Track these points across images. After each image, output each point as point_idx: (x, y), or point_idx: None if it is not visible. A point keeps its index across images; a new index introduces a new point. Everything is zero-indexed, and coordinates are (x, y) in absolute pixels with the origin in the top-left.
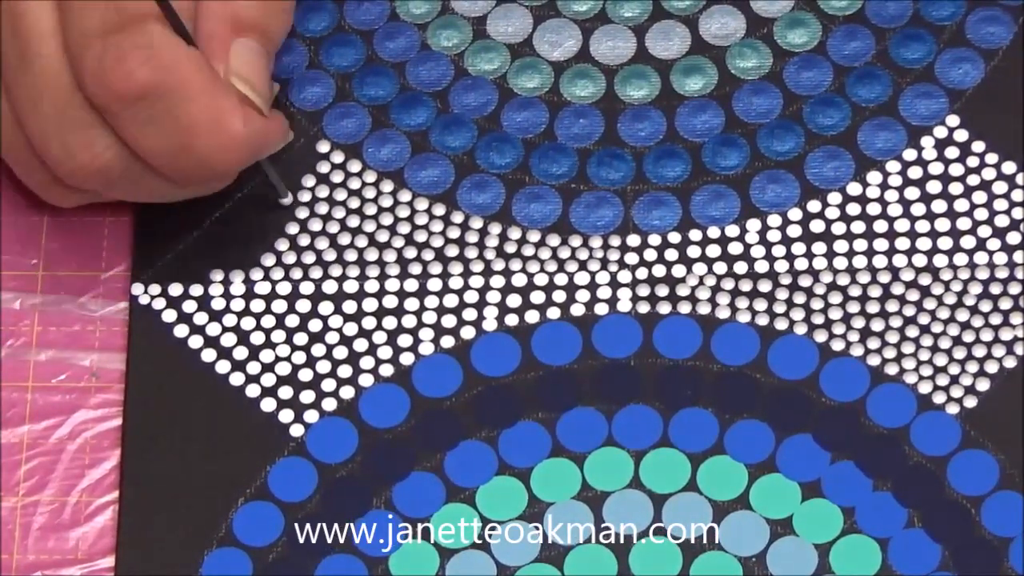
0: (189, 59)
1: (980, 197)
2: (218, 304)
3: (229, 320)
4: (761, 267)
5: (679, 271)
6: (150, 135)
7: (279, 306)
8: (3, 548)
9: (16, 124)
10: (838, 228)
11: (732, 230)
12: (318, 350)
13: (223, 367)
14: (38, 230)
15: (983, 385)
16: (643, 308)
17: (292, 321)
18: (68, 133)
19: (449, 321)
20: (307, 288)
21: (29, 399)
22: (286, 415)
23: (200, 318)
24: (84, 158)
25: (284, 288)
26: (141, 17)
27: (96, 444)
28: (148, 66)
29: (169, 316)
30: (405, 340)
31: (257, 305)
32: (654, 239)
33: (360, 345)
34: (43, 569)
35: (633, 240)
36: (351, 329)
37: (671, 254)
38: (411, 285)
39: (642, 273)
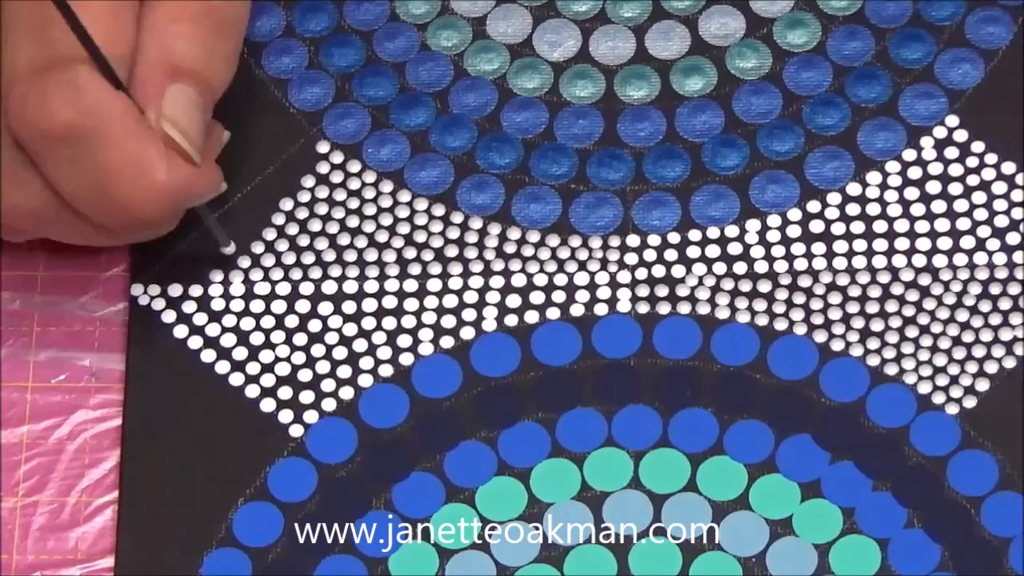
0: (114, 102)
1: (979, 197)
2: (218, 305)
3: (229, 320)
4: (761, 267)
5: (679, 271)
6: (72, 177)
7: (279, 306)
8: (3, 548)
9: None
10: (838, 228)
11: (732, 230)
12: (317, 350)
13: (223, 367)
14: None
15: (983, 385)
16: (643, 308)
17: (292, 321)
18: (1, 174)
19: (449, 321)
20: (307, 288)
21: (29, 399)
22: (286, 415)
23: (200, 318)
24: (15, 201)
25: (284, 288)
26: (69, 58)
27: (96, 444)
28: (71, 107)
29: (169, 317)
30: (405, 340)
31: (257, 305)
32: (654, 239)
33: (360, 345)
34: (43, 569)
35: (633, 240)
36: (350, 329)
37: (671, 254)
38: (410, 285)
39: (642, 273)
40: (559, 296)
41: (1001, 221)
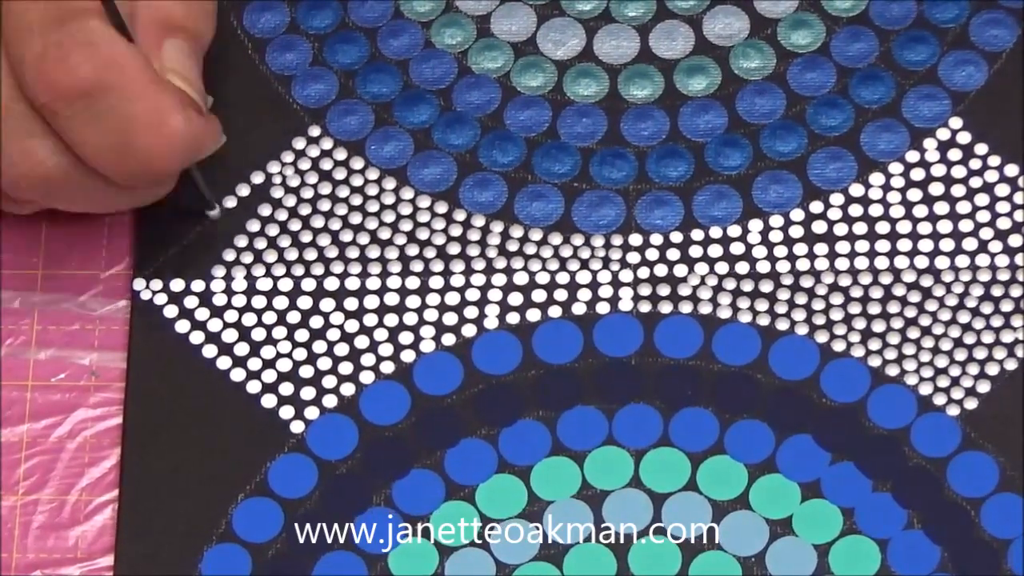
0: (130, 56)
1: (982, 199)
2: (220, 300)
3: (231, 316)
4: (763, 267)
5: (681, 271)
6: (92, 133)
7: (281, 302)
8: (3, 547)
9: None
10: (840, 229)
11: (734, 230)
12: (319, 347)
13: (224, 363)
14: (38, 229)
15: (984, 387)
16: (644, 307)
17: (293, 318)
18: (7, 143)
19: (450, 319)
20: (309, 285)
21: (29, 398)
22: (287, 411)
23: (202, 314)
24: (24, 168)
25: (286, 284)
26: (82, 12)
27: (96, 443)
28: (90, 62)
29: (171, 311)
30: (406, 337)
31: (259, 301)
32: (656, 238)
33: (361, 342)
34: (43, 568)
35: (635, 239)
36: (352, 326)
37: (673, 254)
38: (413, 283)
39: (644, 272)
40: (561, 294)
41: (1003, 223)
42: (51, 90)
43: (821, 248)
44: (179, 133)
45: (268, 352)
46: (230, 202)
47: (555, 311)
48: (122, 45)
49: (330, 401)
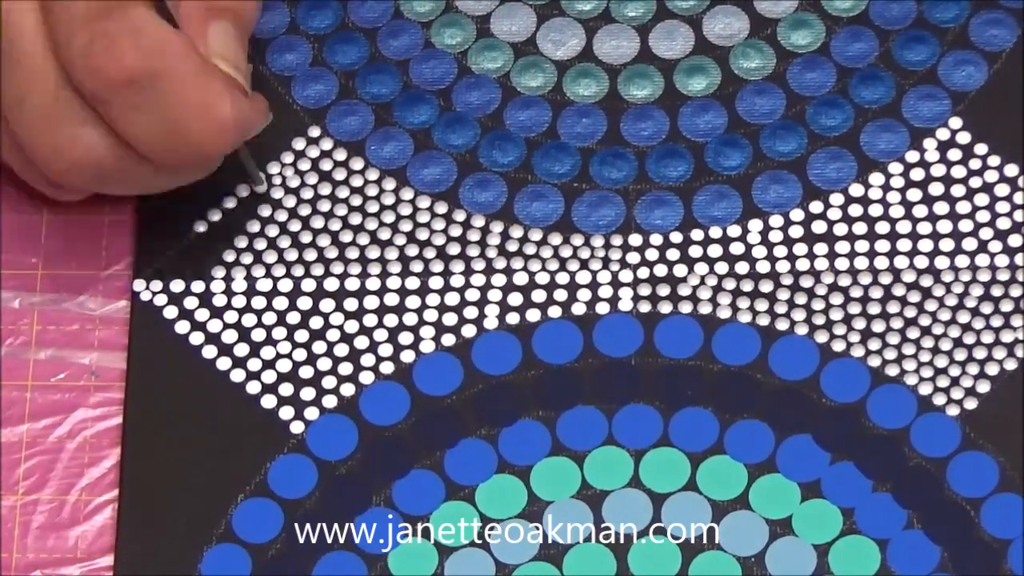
0: (177, 42)
1: (982, 199)
2: (220, 300)
3: (230, 317)
4: (763, 267)
5: (681, 271)
6: (141, 121)
7: (280, 303)
8: (3, 547)
9: (4, 126)
10: (840, 229)
11: (734, 230)
12: (319, 347)
13: (224, 364)
14: (37, 229)
15: (983, 387)
16: (644, 307)
17: (293, 318)
18: (56, 132)
19: (450, 319)
20: (309, 285)
21: (28, 398)
22: (286, 412)
23: (201, 314)
24: (74, 156)
25: (286, 285)
26: (127, 1)
27: (95, 443)
28: (138, 51)
29: (170, 312)
30: (406, 338)
31: (259, 302)
32: (656, 239)
33: (361, 342)
34: (42, 568)
35: (635, 239)
36: (352, 326)
37: (673, 254)
38: (412, 283)
39: (644, 272)
40: (561, 295)
41: (1003, 223)
42: (99, 79)
43: (821, 248)
44: (228, 118)
45: (268, 353)
46: (230, 203)
47: (555, 311)
48: (168, 32)
49: (330, 401)
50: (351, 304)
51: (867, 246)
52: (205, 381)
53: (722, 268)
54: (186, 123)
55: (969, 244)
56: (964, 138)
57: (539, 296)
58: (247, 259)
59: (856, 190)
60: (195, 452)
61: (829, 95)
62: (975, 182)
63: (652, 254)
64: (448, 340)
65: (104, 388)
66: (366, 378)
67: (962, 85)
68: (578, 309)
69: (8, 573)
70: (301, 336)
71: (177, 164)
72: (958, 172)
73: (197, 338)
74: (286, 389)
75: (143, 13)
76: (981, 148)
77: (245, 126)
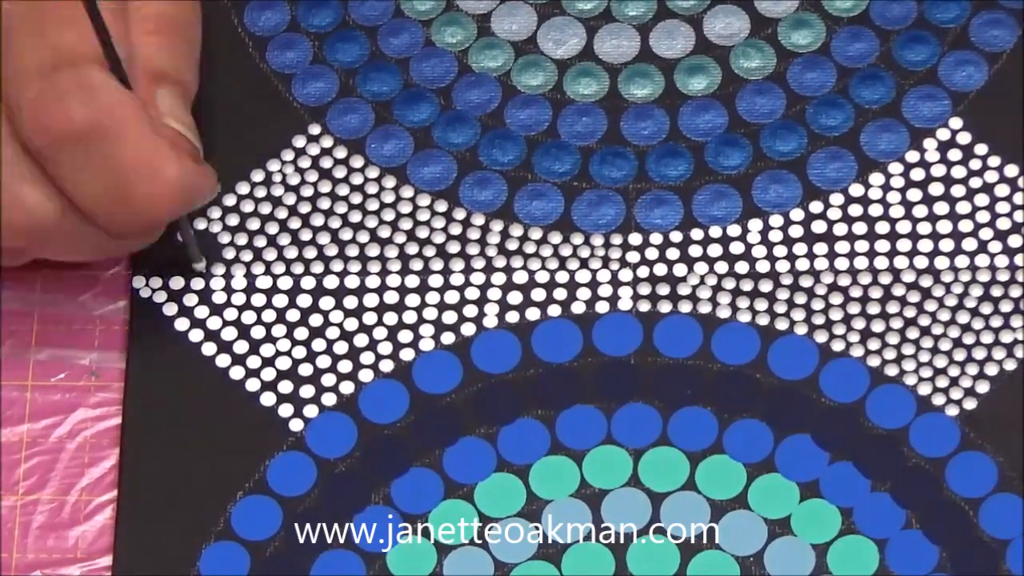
0: (128, 102)
1: (982, 200)
2: (219, 298)
3: (230, 314)
4: (762, 267)
5: (680, 270)
6: (87, 179)
7: (280, 301)
8: (3, 547)
9: None
10: (840, 229)
11: (734, 230)
12: (318, 345)
13: (223, 361)
14: None
15: (983, 387)
16: (644, 307)
17: (293, 316)
18: (1, 190)
19: (450, 317)
20: (308, 283)
21: (29, 398)
22: (286, 410)
23: (201, 312)
24: (16, 214)
25: (285, 283)
26: (79, 57)
27: (95, 443)
28: (87, 107)
29: (170, 309)
30: (405, 336)
31: (258, 299)
32: (656, 238)
33: (360, 340)
34: (42, 568)
35: (635, 239)
36: (352, 324)
37: (672, 253)
38: (412, 281)
39: (643, 272)
40: (560, 293)
41: (1003, 224)
42: (46, 134)
43: (821, 248)
44: (174, 181)
45: (267, 350)
46: (230, 200)
47: (554, 310)
48: (120, 92)
49: (329, 399)
50: (351, 302)
51: (867, 246)
52: (204, 378)
53: (722, 268)
54: (132, 183)
55: (969, 244)
56: (964, 138)
57: (539, 295)
58: (247, 256)
59: (856, 190)
60: (194, 449)
61: (829, 95)
62: (975, 182)
63: (652, 253)
64: (448, 338)
65: (104, 388)
66: (365, 376)
67: (962, 85)
68: (578, 308)
69: (8, 573)
70: (300, 334)
71: (121, 226)
72: (958, 172)
73: (196, 335)
74: (285, 387)
75: (95, 71)
76: (981, 148)
77: (191, 192)
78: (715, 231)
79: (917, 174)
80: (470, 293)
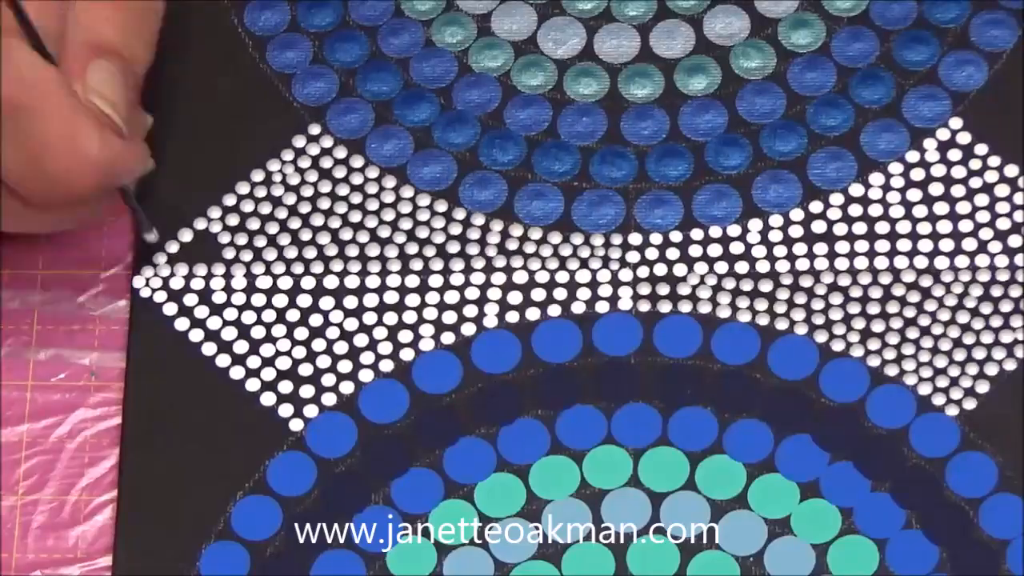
0: (48, 77)
1: (982, 200)
2: (219, 298)
3: (230, 314)
4: (762, 267)
5: (680, 270)
6: (7, 153)
7: (280, 300)
8: (3, 547)
9: None
10: (840, 229)
11: (734, 230)
12: (318, 345)
13: (223, 361)
14: None
15: (983, 387)
16: (644, 307)
17: (293, 316)
18: None
19: (450, 317)
20: (308, 283)
21: (29, 398)
22: (286, 410)
23: (201, 311)
24: None
25: (285, 283)
26: (1, 33)
27: (95, 443)
28: (7, 82)
29: (170, 309)
30: (405, 336)
31: (258, 299)
32: (656, 238)
33: (360, 340)
34: (42, 568)
35: (635, 239)
36: (352, 324)
37: (672, 253)
38: (412, 281)
39: (643, 272)
40: (560, 293)
41: (1003, 224)
42: None
43: (821, 248)
44: (92, 156)
45: (267, 350)
46: (230, 200)
47: (554, 310)
48: (40, 66)
49: (329, 399)
50: (351, 302)
51: (867, 246)
52: (204, 378)
53: (722, 268)
54: (50, 157)
55: (969, 244)
56: (964, 138)
57: (539, 295)
58: (247, 256)
59: (856, 190)
60: (194, 449)
61: (829, 95)
62: (975, 182)
63: (652, 253)
64: (448, 338)
65: (104, 388)
66: (365, 376)
67: (962, 85)
68: (578, 308)
69: (8, 573)
70: (300, 334)
71: (41, 199)
72: (958, 172)
73: (196, 335)
74: (285, 387)
75: (16, 46)
76: (981, 148)
77: (113, 167)
78: (715, 231)
79: (917, 174)
80: (470, 293)
